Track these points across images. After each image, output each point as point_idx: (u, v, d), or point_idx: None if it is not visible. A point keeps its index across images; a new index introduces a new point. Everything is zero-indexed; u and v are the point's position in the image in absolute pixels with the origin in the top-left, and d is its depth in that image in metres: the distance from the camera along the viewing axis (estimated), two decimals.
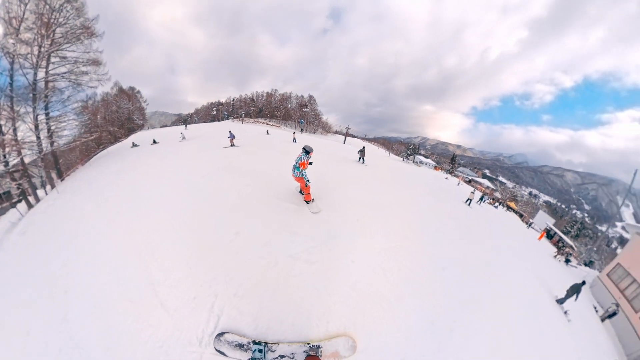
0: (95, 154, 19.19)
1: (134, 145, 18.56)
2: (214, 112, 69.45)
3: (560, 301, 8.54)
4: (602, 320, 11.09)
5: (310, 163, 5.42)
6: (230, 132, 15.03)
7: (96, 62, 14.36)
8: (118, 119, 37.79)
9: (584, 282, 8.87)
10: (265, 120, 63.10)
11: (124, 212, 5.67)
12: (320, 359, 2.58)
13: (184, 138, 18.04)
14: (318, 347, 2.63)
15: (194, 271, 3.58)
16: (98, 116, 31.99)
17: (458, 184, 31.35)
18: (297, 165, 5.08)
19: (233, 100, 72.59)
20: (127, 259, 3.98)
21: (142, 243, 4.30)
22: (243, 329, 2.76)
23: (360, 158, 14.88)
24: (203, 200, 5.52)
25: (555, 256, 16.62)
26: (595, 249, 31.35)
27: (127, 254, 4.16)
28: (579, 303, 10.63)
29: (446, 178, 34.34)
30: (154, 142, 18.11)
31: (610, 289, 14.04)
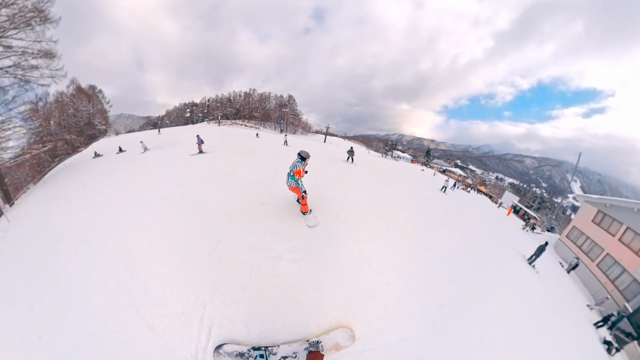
0: (50, 169, 16.33)
1: (96, 155, 16.40)
2: (188, 114, 64.57)
3: (530, 261, 9.73)
4: (568, 272, 13.32)
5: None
6: (198, 136, 13.43)
7: (49, 54, 11.59)
8: (76, 124, 31.07)
9: (546, 243, 10.19)
10: (243, 121, 59.33)
11: (93, 234, 5.07)
12: (322, 353, 2.58)
13: (146, 149, 14.49)
14: (317, 342, 2.65)
15: (179, 286, 3.42)
16: (51, 122, 26.77)
17: (434, 174, 33.95)
18: (292, 174, 4.45)
19: (209, 100, 66.85)
20: (104, 285, 3.67)
21: (119, 264, 4.00)
22: (236, 336, 2.72)
23: (349, 158, 15.31)
24: (180, 211, 5.21)
25: (524, 227, 19.06)
26: (554, 217, 37.69)
27: (103, 278, 3.83)
28: (548, 260, 12.71)
29: (422, 170, 36.34)
30: (120, 150, 16.05)
31: (570, 247, 16.82)
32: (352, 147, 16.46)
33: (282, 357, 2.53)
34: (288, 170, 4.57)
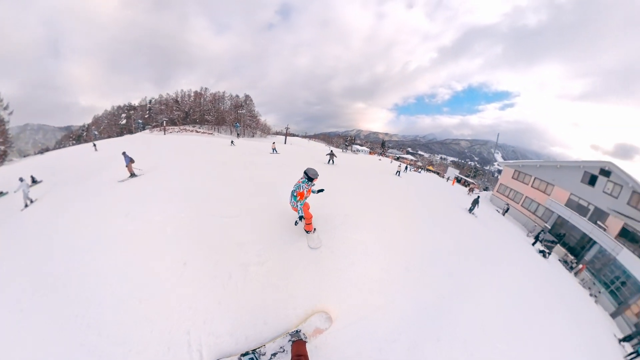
0: None
1: None
2: (124, 121, 49.88)
3: (470, 210, 13.07)
4: (504, 214, 18.89)
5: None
6: (124, 154, 9.67)
7: None
8: None
9: (478, 197, 13.84)
10: (194, 127, 49.97)
11: (36, 304, 3.80)
12: (304, 340, 2.68)
13: (28, 199, 8.66)
14: (297, 331, 2.76)
15: (158, 324, 3.19)
16: None
17: (391, 162, 37.59)
18: (295, 194, 4.02)
19: (150, 102, 53.74)
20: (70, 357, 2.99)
21: (81, 326, 3.32)
22: (226, 349, 2.76)
23: (330, 160, 16.08)
24: (138, 242, 4.69)
25: (468, 193, 23.19)
26: (486, 180, 46.69)
27: (69, 350, 3.11)
28: (489, 210, 17.25)
29: (379, 159, 39.09)
30: (34, 181, 11.57)
31: (501, 198, 22.47)
32: (332, 150, 17.65)
33: (271, 354, 2.60)
34: (292, 189, 4.14)
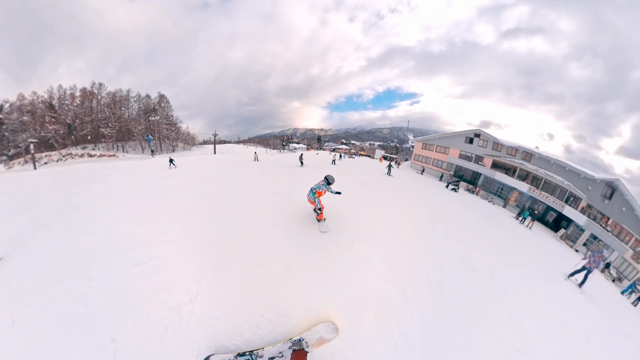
0: None
1: None
2: None
3: (387, 174, 17.64)
4: (422, 174, 24.13)
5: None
6: None
7: None
8: None
9: (390, 164, 19.23)
10: (84, 149, 34.69)
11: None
12: (305, 350, 2.60)
13: None
14: (300, 340, 2.68)
15: (156, 311, 3.00)
16: None
17: (330, 154, 41.09)
18: (314, 192, 5.05)
19: (8, 106, 31.37)
20: None
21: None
22: (224, 345, 2.69)
23: (301, 163, 17.54)
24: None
25: (394, 166, 28.96)
26: (405, 154, 55.54)
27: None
28: (407, 171, 22.32)
29: (317, 153, 41.23)
30: None
31: (417, 163, 27.99)
32: (302, 154, 19.82)
33: (269, 358, 2.56)
34: (313, 187, 5.13)
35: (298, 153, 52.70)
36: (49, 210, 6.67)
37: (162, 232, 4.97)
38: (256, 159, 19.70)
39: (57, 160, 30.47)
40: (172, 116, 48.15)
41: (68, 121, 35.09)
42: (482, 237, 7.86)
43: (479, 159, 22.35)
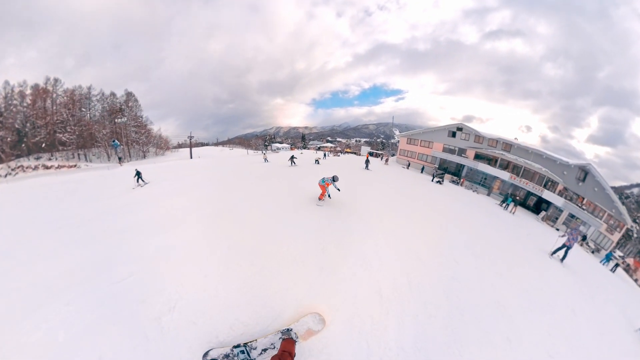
0: None
1: None
2: None
3: (365, 168, 18.18)
4: (407, 168, 25.16)
5: (338, 190, 7.59)
6: None
7: None
8: None
9: (367, 159, 19.45)
10: (38, 160, 29.93)
11: None
12: (294, 339, 2.74)
13: None
14: (289, 330, 2.85)
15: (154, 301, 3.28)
16: None
17: (315, 152, 42.27)
18: (323, 181, 7.22)
19: None
20: None
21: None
22: (219, 338, 2.87)
23: (291, 162, 18.05)
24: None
25: (384, 162, 30.47)
26: (391, 149, 56.49)
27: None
28: (394, 167, 23.04)
29: (301, 153, 41.19)
30: None
31: (403, 158, 28.72)
32: (293, 155, 19.97)
33: (262, 349, 2.74)
34: (324, 177, 7.34)
35: (282, 154, 52.81)
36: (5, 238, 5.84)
37: (141, 246, 4.85)
38: (265, 159, 20.57)
39: (6, 176, 25.17)
40: (142, 117, 42.75)
41: (17, 126, 29.37)
42: (466, 227, 7.96)
43: (462, 152, 23.20)
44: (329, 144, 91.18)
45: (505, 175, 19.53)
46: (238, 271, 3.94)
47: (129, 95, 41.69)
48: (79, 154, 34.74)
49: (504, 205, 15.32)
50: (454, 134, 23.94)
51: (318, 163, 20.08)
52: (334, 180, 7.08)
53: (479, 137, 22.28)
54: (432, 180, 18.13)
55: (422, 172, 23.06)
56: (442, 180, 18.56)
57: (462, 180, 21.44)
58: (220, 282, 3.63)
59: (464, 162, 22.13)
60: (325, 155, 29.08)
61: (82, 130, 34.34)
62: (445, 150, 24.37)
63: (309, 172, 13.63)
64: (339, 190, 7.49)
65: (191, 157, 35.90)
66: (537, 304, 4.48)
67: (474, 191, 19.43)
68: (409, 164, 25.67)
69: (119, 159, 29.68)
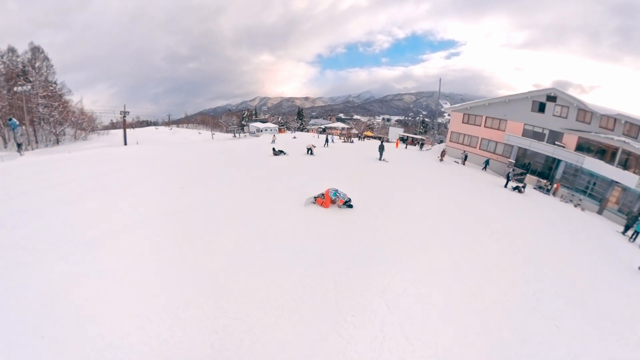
0: None
1: None
2: None
3: (379, 158, 19.63)
4: (463, 163, 23.73)
5: (350, 206, 9.65)
6: None
7: None
8: None
9: (382, 145, 21.13)
10: None
11: None
12: None
13: None
14: None
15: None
16: None
17: (314, 136, 44.44)
18: (335, 194, 9.37)
19: None
20: None
21: None
22: None
23: (278, 150, 20.29)
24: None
25: (420, 149, 31.84)
26: (438, 133, 55.34)
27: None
28: (446, 161, 23.67)
29: (294, 137, 41.54)
30: None
31: (456, 147, 27.87)
32: (274, 141, 22.86)
33: None
34: (337, 190, 9.59)
35: (264, 137, 52.45)
36: None
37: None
38: (273, 142, 22.23)
39: None
40: (55, 83, 43.78)
41: None
42: (575, 292, 6.62)
43: (555, 137, 21.72)
44: (339, 124, 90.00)
45: (630, 179, 17.73)
46: (199, 320, 4.24)
47: (36, 51, 42.06)
48: None
49: (630, 233, 13.47)
50: (542, 107, 22.47)
51: (311, 153, 20.57)
52: (347, 203, 9.29)
53: (584, 113, 20.60)
54: (506, 186, 17.29)
55: (484, 168, 22.28)
56: (524, 186, 17.27)
57: (555, 186, 19.98)
58: (170, 335, 3.91)
59: (559, 155, 20.64)
60: (327, 140, 29.49)
61: None
62: (526, 133, 23.15)
63: (294, 171, 13.97)
64: (350, 206, 9.38)
65: (125, 144, 38.06)
66: None
67: (575, 205, 18.10)
68: (466, 155, 24.28)
69: (18, 145, 30.11)
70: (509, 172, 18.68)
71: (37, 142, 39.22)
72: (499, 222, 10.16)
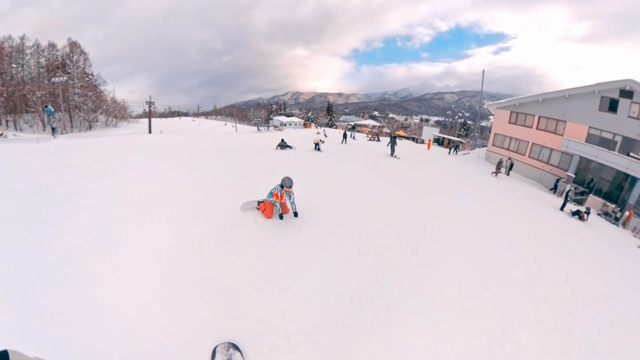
0: None
1: None
2: None
3: (391, 153, 19.68)
4: (508, 173, 20.48)
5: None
6: None
7: None
8: None
9: (394, 138, 20.37)
10: None
11: None
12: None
13: None
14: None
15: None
16: None
17: (339, 133, 42.26)
18: (271, 195, 7.07)
19: None
20: None
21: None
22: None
23: (285, 145, 21.04)
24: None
25: (449, 152, 30.62)
26: (480, 137, 51.84)
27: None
28: (486, 170, 20.88)
29: (317, 133, 42.57)
30: None
31: (499, 152, 24.64)
32: (283, 139, 22.06)
33: None
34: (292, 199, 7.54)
35: (286, 131, 52.11)
36: None
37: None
38: (318, 145, 20.52)
39: None
40: (91, 75, 50.59)
41: None
42: None
43: (630, 146, 18.17)
44: (370, 121, 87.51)
45: None
46: None
47: (73, 45, 48.73)
48: (7, 121, 41.77)
49: None
50: (613, 105, 18.97)
51: (319, 149, 20.35)
52: (283, 187, 6.95)
53: None
54: (562, 209, 14.28)
55: (554, 190, 18.86)
56: (587, 212, 13.29)
57: (628, 213, 16.29)
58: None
59: (636, 172, 16.89)
60: (346, 136, 27.89)
61: (12, 91, 41.81)
62: (592, 139, 19.61)
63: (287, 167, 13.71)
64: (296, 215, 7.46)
65: (150, 132, 41.35)
66: None
67: None
68: (512, 163, 21.06)
69: (53, 129, 35.65)
70: (568, 191, 15.54)
71: (72, 126, 46.98)
72: (567, 279, 6.36)
